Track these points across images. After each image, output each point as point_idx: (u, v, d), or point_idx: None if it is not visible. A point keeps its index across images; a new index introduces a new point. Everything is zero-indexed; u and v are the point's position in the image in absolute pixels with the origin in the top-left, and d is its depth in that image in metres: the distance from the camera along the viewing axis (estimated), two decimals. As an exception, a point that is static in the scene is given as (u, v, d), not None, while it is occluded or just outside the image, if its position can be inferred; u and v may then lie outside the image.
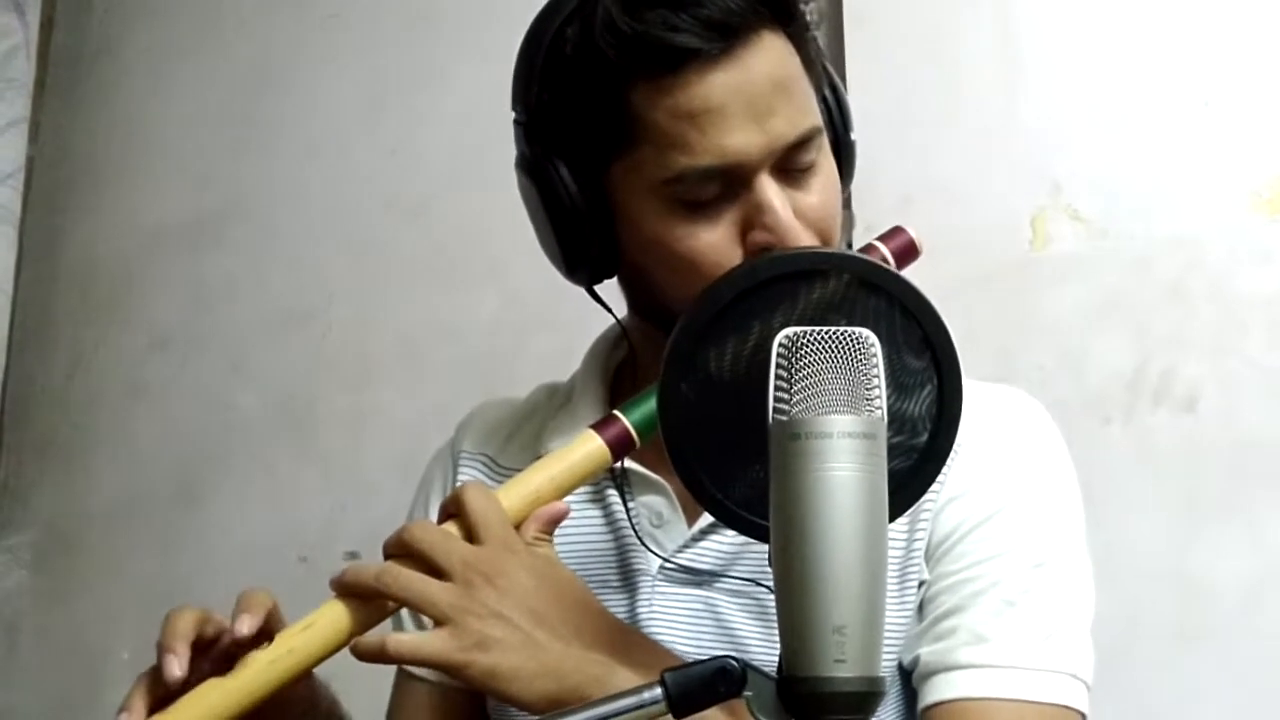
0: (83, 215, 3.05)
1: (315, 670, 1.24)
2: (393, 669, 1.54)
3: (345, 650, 1.19)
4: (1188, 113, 2.06)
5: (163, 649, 1.18)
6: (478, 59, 2.61)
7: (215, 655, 1.21)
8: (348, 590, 1.20)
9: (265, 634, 1.20)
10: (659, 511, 1.37)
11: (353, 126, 2.78)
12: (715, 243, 1.23)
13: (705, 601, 1.33)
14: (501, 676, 1.13)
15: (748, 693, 0.92)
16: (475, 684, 1.14)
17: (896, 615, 1.29)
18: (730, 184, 1.22)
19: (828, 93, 1.33)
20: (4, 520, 2.96)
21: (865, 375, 0.89)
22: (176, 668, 1.16)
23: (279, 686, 1.17)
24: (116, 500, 2.85)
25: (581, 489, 1.36)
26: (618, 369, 1.49)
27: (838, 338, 0.90)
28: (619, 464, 1.33)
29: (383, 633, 1.20)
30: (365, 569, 1.19)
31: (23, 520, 2.95)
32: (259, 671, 1.17)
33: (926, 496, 1.21)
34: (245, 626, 1.18)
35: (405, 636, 1.19)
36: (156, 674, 1.18)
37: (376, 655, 1.17)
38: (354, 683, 1.74)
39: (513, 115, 1.34)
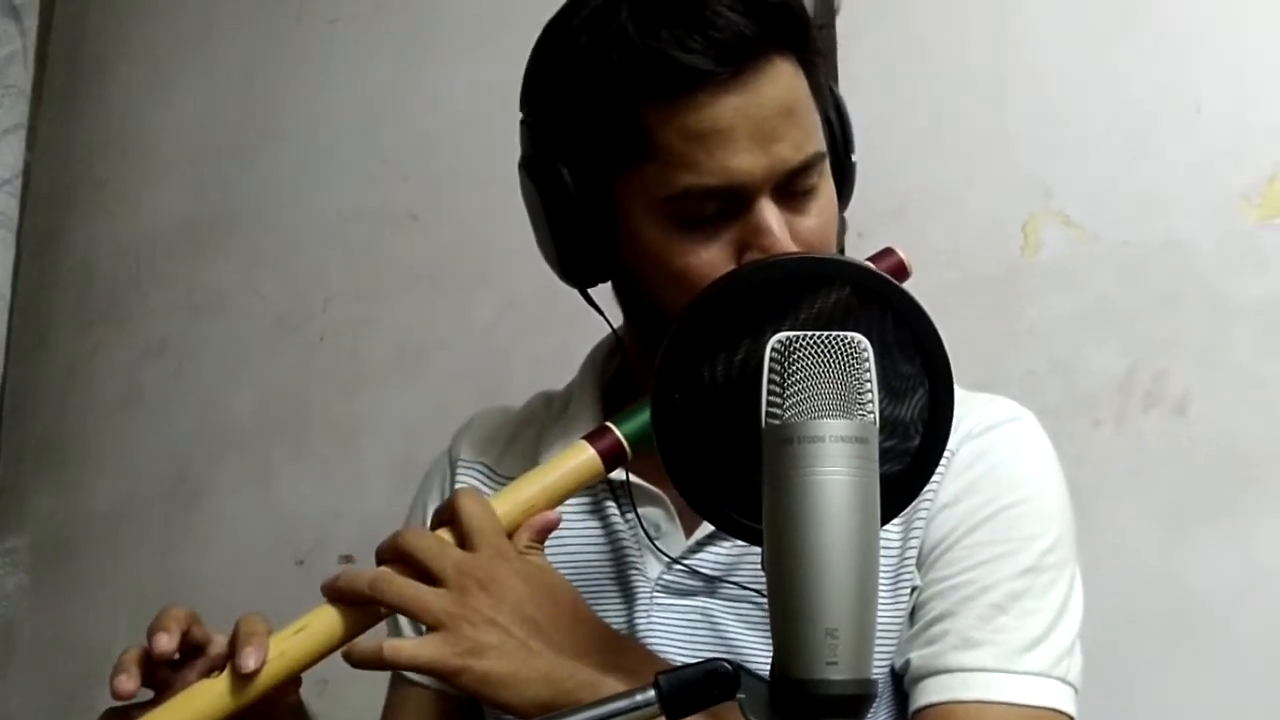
0: (80, 221, 3.06)
1: (309, 673, 1.24)
2: (387, 673, 1.54)
3: (338, 654, 1.19)
4: (1178, 117, 2.07)
5: (154, 628, 1.17)
6: (473, 69, 2.62)
7: (200, 667, 1.21)
8: (341, 596, 1.20)
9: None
10: (657, 524, 1.37)
11: (348, 133, 2.79)
12: (711, 260, 1.23)
13: (702, 612, 1.33)
14: (495, 683, 1.13)
15: (740, 695, 0.92)
16: (469, 690, 1.14)
17: (889, 619, 1.29)
18: (731, 204, 1.23)
19: (832, 115, 1.34)
20: (2, 523, 2.96)
21: (857, 379, 0.89)
22: (166, 641, 1.15)
23: (270, 688, 1.17)
24: (113, 504, 2.86)
25: (580, 502, 1.37)
26: (613, 378, 1.50)
27: (830, 342, 0.90)
28: (619, 476, 1.34)
29: (377, 637, 1.20)
30: (359, 575, 1.19)
31: (20, 524, 2.96)
32: (251, 674, 1.17)
33: (920, 504, 1.22)
34: (251, 660, 1.16)
35: (400, 642, 1.18)
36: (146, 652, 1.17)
37: (372, 661, 1.17)
38: (347, 686, 1.74)
39: (520, 115, 1.35)
